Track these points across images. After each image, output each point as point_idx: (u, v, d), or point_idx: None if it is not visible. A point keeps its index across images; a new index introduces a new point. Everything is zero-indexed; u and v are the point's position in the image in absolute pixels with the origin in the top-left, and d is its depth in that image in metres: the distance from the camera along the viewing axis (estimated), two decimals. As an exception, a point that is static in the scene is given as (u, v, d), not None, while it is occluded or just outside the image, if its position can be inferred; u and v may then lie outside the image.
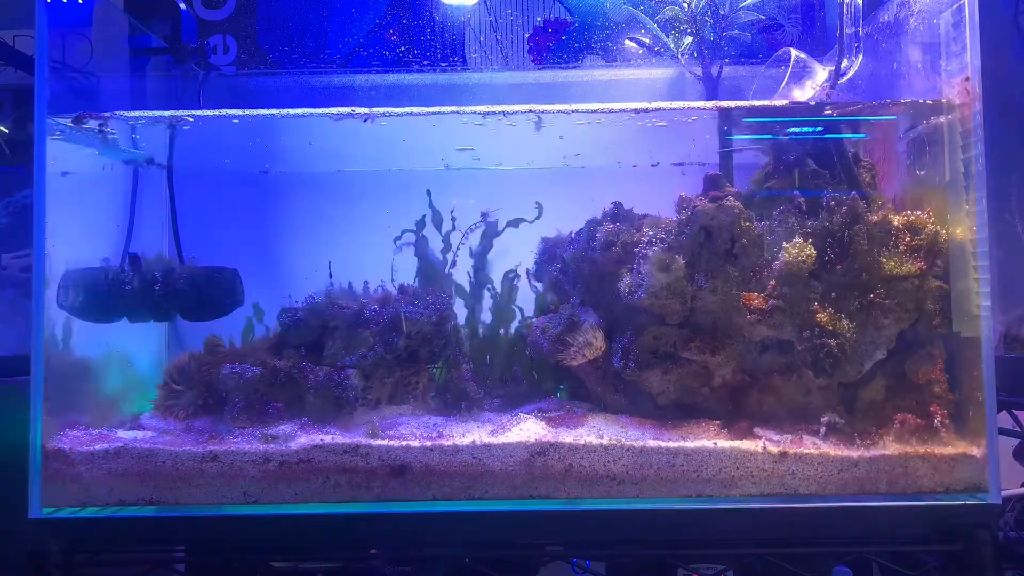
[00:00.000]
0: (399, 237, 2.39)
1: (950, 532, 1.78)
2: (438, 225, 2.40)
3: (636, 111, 2.01)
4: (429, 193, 2.41)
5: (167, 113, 2.10)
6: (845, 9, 2.03)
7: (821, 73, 2.08)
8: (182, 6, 2.44)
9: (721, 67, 2.24)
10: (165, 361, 2.46)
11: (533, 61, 2.65)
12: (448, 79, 2.58)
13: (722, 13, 2.23)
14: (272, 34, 2.68)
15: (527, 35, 2.66)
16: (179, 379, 2.17)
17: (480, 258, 2.39)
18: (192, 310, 2.21)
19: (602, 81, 2.47)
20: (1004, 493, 1.98)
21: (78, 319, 2.07)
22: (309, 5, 2.67)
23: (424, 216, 2.40)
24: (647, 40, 2.36)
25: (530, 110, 2.02)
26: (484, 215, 2.41)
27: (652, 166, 2.53)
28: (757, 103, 2.06)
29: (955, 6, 1.88)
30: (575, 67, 2.59)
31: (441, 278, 2.36)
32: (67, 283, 2.04)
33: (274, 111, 2.04)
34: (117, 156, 2.33)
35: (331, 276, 2.25)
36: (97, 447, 1.87)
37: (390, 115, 2.02)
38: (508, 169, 2.55)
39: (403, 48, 2.60)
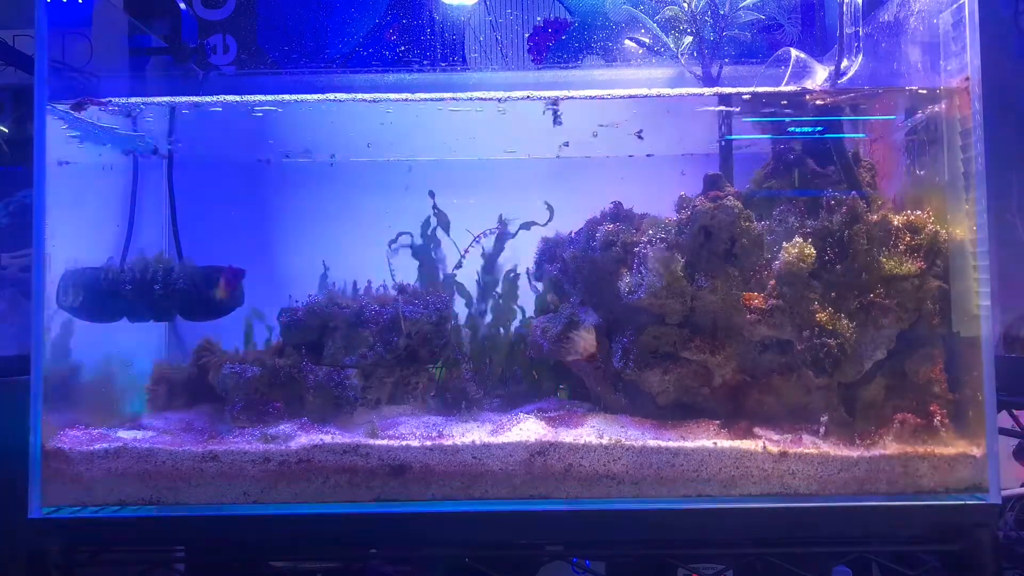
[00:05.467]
0: (394, 240, 2.39)
1: (950, 532, 1.78)
2: (445, 227, 2.40)
3: (633, 97, 2.03)
4: (432, 195, 2.41)
5: (165, 99, 2.11)
6: (845, 9, 2.03)
7: (821, 73, 2.08)
8: (182, 6, 2.44)
9: (721, 67, 2.24)
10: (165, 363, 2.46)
11: (533, 61, 2.65)
12: (448, 79, 2.59)
13: (722, 13, 2.23)
14: (272, 34, 2.68)
15: (527, 35, 2.66)
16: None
17: (491, 261, 2.39)
18: (192, 310, 2.21)
19: (602, 81, 2.47)
20: (1004, 493, 1.99)
21: (78, 319, 2.07)
22: (309, 5, 2.67)
23: (428, 218, 2.41)
24: (647, 40, 2.36)
25: (527, 96, 2.02)
26: (502, 221, 2.41)
27: (647, 156, 2.55)
28: (759, 89, 2.06)
29: (955, 6, 1.88)
30: (575, 67, 2.59)
31: (441, 279, 2.37)
32: (67, 283, 2.04)
33: (271, 97, 2.04)
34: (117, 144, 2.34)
35: (326, 274, 2.25)
36: (97, 447, 1.87)
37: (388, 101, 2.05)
38: (506, 160, 2.55)
39: (403, 48, 2.60)
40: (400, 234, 2.40)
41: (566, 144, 2.43)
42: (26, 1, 1.91)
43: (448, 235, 2.41)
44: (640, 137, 2.35)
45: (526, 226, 2.41)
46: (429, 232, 2.41)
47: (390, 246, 2.39)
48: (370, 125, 2.27)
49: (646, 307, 1.97)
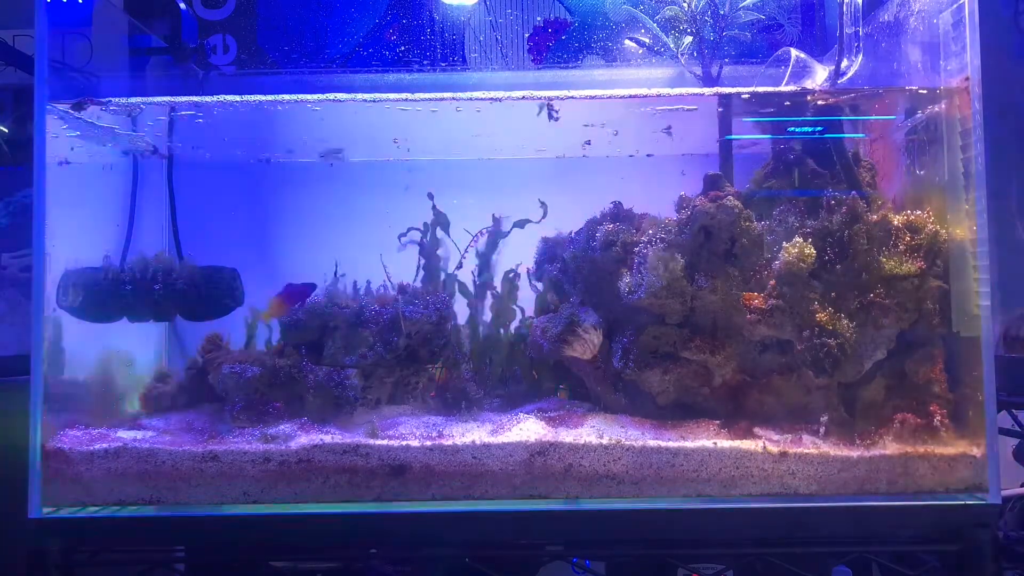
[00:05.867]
0: (404, 234, 2.39)
1: (950, 532, 1.78)
2: (445, 227, 2.40)
3: (633, 97, 2.03)
4: (431, 196, 2.41)
5: (165, 99, 2.11)
6: (845, 9, 2.03)
7: (821, 73, 2.08)
8: (182, 6, 2.44)
9: (721, 67, 2.24)
10: (165, 361, 2.47)
11: (533, 61, 2.65)
12: (448, 79, 2.59)
13: (722, 13, 2.23)
14: (272, 34, 2.68)
15: (527, 35, 2.66)
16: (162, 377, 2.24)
17: (485, 259, 2.39)
18: (192, 310, 2.21)
19: (602, 81, 2.47)
20: (1004, 493, 1.98)
21: (78, 319, 2.07)
22: (309, 5, 2.67)
23: (432, 219, 2.40)
24: (647, 40, 2.36)
25: (523, 96, 2.02)
26: (496, 220, 2.41)
27: (647, 156, 2.55)
28: (759, 89, 2.06)
29: (955, 6, 1.88)
30: (575, 67, 2.59)
31: (445, 278, 2.36)
32: (67, 283, 2.04)
33: (271, 97, 2.04)
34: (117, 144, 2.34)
35: (336, 275, 2.25)
36: (97, 447, 1.87)
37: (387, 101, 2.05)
38: (507, 160, 2.55)
39: (403, 48, 2.60)
40: (410, 229, 2.39)
41: (587, 143, 2.44)
42: (26, 1, 1.91)
43: (448, 235, 2.41)
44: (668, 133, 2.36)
45: (520, 224, 2.40)
46: (434, 232, 2.40)
47: (400, 239, 2.39)
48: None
49: (646, 307, 1.97)
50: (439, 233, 2.40)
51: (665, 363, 1.97)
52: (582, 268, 2.14)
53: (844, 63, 2.04)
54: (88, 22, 2.18)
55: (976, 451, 1.82)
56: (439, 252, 2.39)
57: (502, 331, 2.36)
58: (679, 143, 2.48)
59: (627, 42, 2.43)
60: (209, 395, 2.17)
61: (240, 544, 1.89)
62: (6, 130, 2.72)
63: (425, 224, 2.39)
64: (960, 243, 1.90)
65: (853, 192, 2.04)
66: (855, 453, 1.84)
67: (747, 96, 2.09)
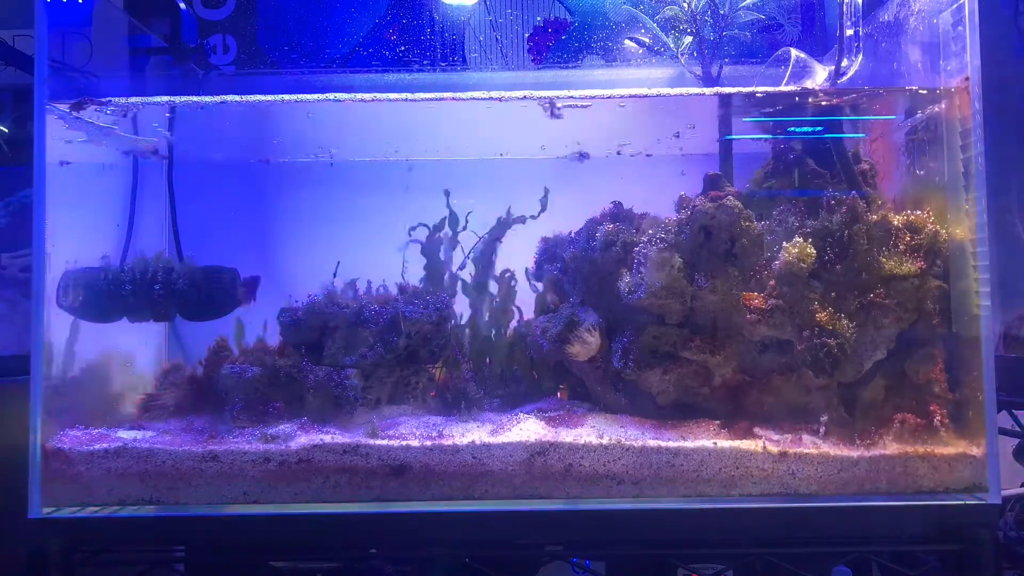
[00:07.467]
0: (414, 228, 2.38)
1: (950, 532, 1.78)
2: (453, 226, 2.40)
3: (633, 97, 2.03)
4: (447, 193, 2.40)
5: (164, 99, 2.10)
6: (845, 9, 2.03)
7: (821, 73, 2.08)
8: (182, 6, 2.44)
9: (721, 67, 2.25)
10: (165, 361, 2.46)
11: (533, 61, 2.66)
12: (448, 79, 2.59)
13: (722, 13, 2.23)
14: (272, 34, 2.68)
15: (527, 35, 2.66)
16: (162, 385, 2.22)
17: (485, 258, 2.39)
18: (192, 310, 2.21)
19: (602, 81, 2.47)
20: (1004, 493, 1.98)
21: (78, 319, 2.07)
22: (309, 5, 2.67)
23: (444, 218, 2.39)
24: (647, 40, 2.36)
25: (525, 96, 2.02)
26: (510, 214, 2.40)
27: (647, 156, 2.55)
28: (759, 89, 2.06)
29: (955, 6, 1.88)
30: (575, 67, 2.59)
31: (448, 278, 2.36)
32: (67, 283, 2.04)
33: (272, 97, 2.04)
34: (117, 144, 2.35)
35: (335, 275, 2.25)
36: (97, 447, 1.87)
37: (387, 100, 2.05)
38: (507, 160, 2.56)
39: (403, 48, 2.60)
40: (418, 225, 2.39)
41: (627, 145, 2.46)
42: (26, 1, 1.91)
43: (456, 235, 2.40)
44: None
45: (520, 220, 2.40)
46: (440, 233, 2.40)
47: (410, 233, 2.38)
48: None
49: (646, 307, 1.97)
50: (447, 232, 2.39)
51: (665, 363, 1.97)
52: (582, 268, 2.14)
53: (844, 63, 2.05)
54: (88, 22, 2.18)
55: (976, 451, 1.82)
56: (447, 252, 2.39)
57: (502, 331, 2.36)
58: (678, 143, 2.48)
59: (627, 42, 2.43)
60: (209, 399, 2.16)
61: (240, 544, 1.89)
62: (6, 130, 2.72)
63: (431, 224, 2.38)
64: (960, 243, 1.90)
65: (853, 192, 2.04)
66: (855, 453, 1.84)
67: (748, 96, 2.08)
